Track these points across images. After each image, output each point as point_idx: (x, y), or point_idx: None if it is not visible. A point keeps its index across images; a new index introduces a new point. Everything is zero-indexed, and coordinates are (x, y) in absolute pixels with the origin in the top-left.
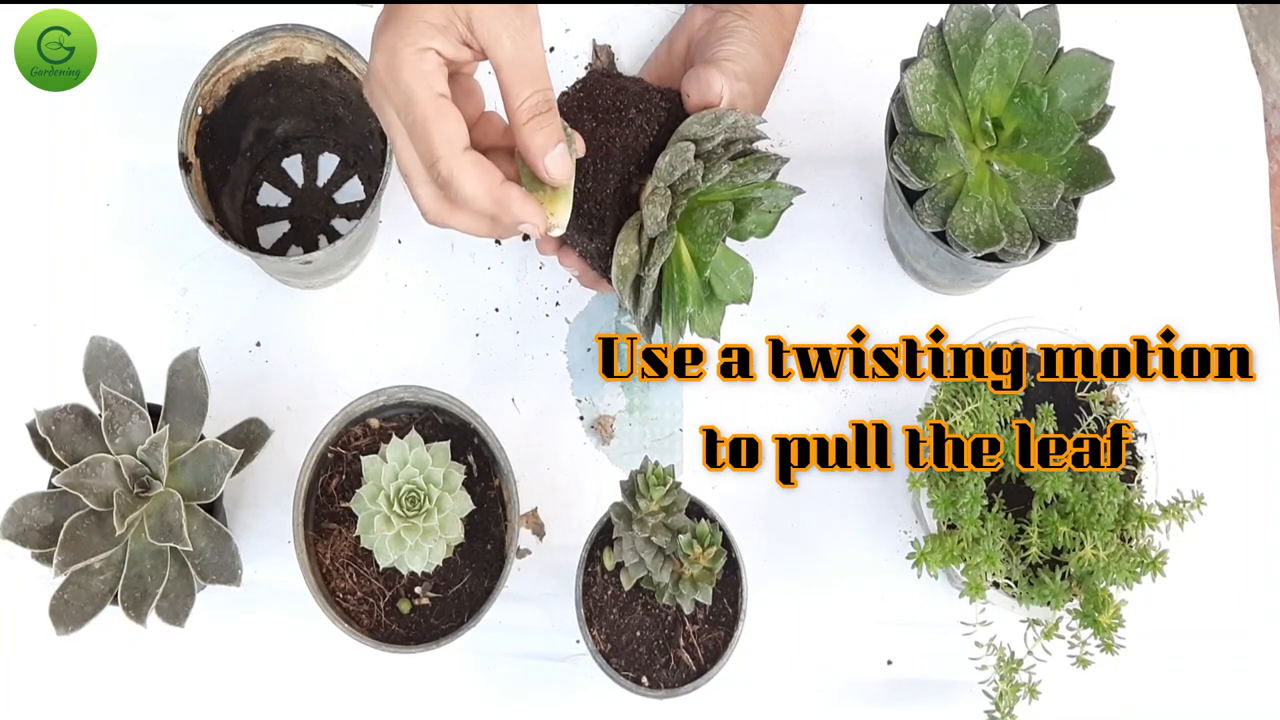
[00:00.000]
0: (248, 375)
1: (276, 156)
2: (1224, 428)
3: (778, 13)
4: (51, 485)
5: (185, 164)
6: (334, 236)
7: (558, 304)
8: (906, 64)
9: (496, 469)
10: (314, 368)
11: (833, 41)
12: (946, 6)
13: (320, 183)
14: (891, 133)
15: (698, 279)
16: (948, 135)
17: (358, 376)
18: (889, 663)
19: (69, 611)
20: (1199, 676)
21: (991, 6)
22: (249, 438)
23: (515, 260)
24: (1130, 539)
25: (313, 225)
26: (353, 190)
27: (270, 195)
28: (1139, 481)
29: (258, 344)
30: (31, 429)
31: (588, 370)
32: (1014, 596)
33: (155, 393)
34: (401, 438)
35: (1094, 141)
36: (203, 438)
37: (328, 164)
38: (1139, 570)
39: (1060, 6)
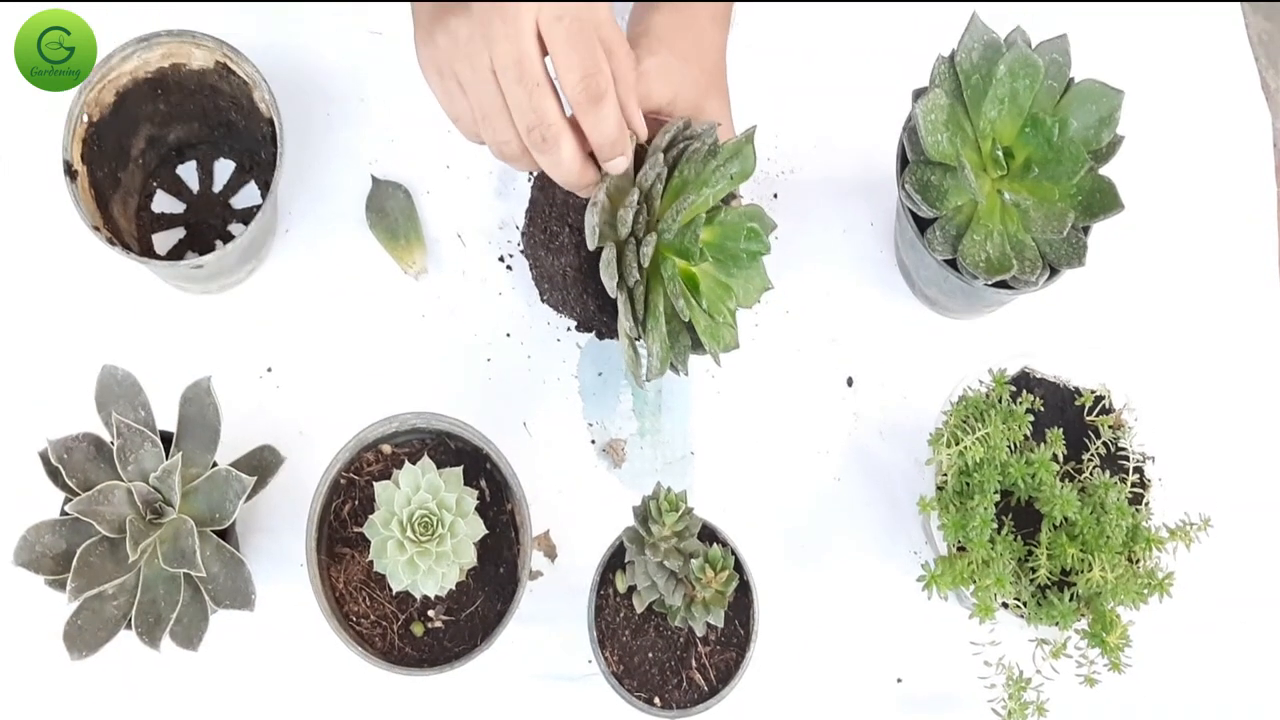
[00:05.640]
0: (259, 400)
1: (171, 163)
2: (1232, 450)
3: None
4: (64, 512)
5: (70, 171)
6: (231, 242)
7: (569, 329)
8: (918, 93)
9: (509, 493)
10: (326, 393)
11: (844, 69)
12: (958, 36)
13: (216, 189)
14: (903, 161)
15: (697, 311)
16: (959, 164)
17: (370, 402)
18: (899, 681)
19: (83, 637)
20: (1206, 695)
21: (1003, 37)
22: (261, 465)
23: (526, 286)
24: (1138, 560)
25: (209, 231)
26: (250, 195)
27: (165, 203)
28: (1146, 504)
29: (269, 369)
30: (44, 457)
31: (599, 394)
32: (1023, 616)
33: (167, 419)
34: (414, 463)
35: (1104, 170)
36: (215, 464)
37: (224, 170)
38: (1146, 591)
39: (1071, 37)
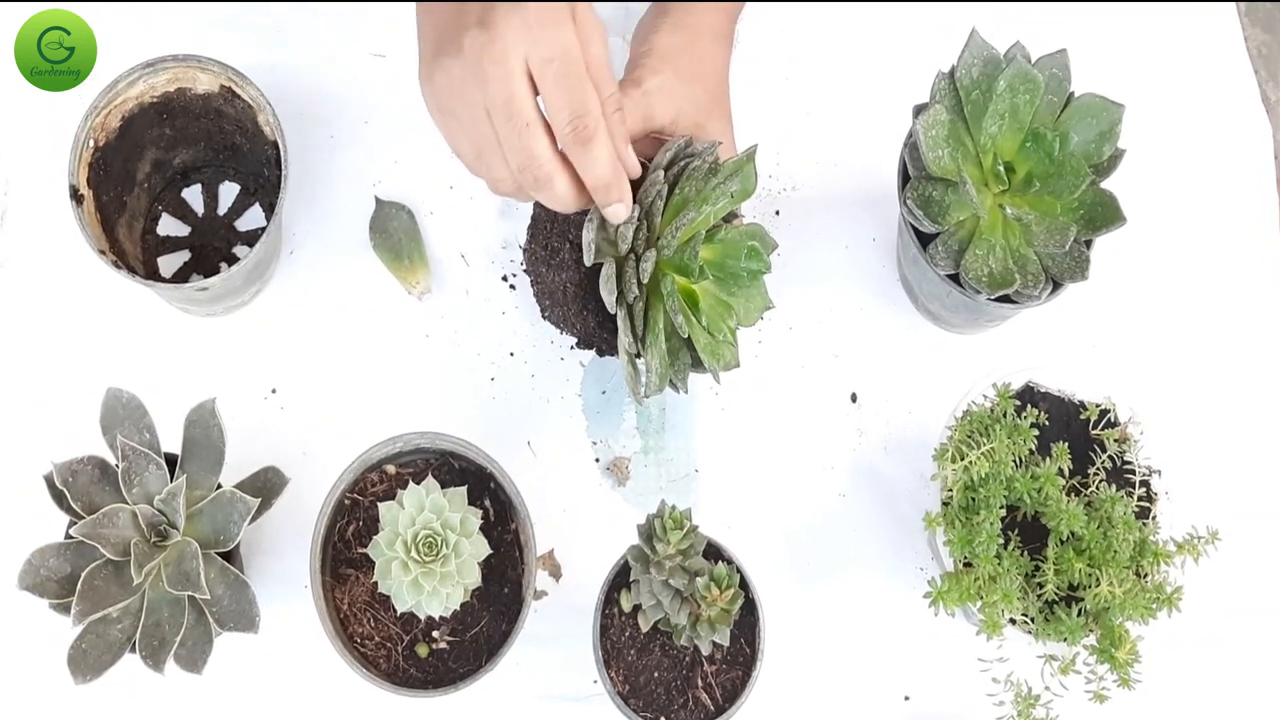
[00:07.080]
0: (263, 422)
1: (176, 186)
2: (1239, 463)
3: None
4: (69, 536)
5: (76, 195)
6: (236, 264)
7: (572, 347)
8: (919, 109)
9: (513, 512)
10: (330, 414)
11: (845, 87)
12: (958, 52)
13: (221, 211)
14: (904, 177)
15: (696, 329)
16: (960, 179)
17: (374, 422)
18: (906, 698)
19: (87, 660)
20: (1216, 710)
21: (1003, 52)
22: (266, 486)
23: (529, 305)
24: (1146, 575)
25: (214, 254)
26: (254, 218)
27: (171, 225)
28: (1154, 518)
29: (273, 390)
30: (49, 480)
31: (603, 412)
32: (1031, 633)
33: (172, 441)
34: (418, 484)
35: (1105, 184)
36: (220, 486)
37: (228, 192)
38: (1155, 606)
39: (1071, 51)
